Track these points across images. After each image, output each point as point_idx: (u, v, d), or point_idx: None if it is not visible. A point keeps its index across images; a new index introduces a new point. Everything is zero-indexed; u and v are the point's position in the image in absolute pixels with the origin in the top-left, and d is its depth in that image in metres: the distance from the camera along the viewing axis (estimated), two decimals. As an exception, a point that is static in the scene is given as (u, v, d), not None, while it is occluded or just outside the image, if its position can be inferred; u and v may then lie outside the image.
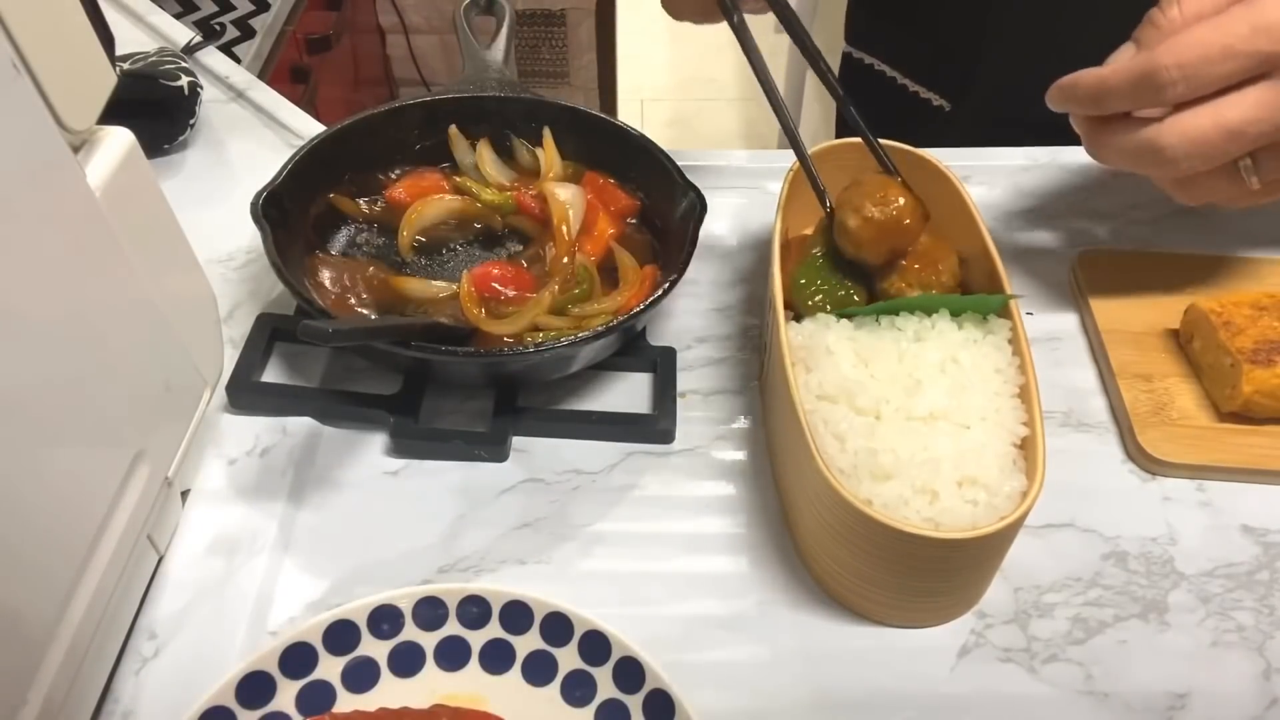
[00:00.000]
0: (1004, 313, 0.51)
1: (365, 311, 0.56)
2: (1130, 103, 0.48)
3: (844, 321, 0.51)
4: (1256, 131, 0.46)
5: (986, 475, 0.44)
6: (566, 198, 0.60)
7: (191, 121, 0.71)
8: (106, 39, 0.53)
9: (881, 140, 0.59)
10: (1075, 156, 0.70)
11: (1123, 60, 0.48)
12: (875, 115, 0.56)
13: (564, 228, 0.59)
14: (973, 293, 0.53)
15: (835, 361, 0.49)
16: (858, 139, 0.57)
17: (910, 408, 0.47)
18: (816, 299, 0.52)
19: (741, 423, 0.55)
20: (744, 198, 0.68)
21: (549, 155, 0.63)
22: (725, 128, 2.57)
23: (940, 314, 0.51)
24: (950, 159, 0.58)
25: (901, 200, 0.52)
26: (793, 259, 0.55)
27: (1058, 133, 0.57)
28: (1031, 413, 0.46)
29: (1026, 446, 0.45)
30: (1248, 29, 0.44)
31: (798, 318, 0.52)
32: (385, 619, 0.44)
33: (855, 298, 0.53)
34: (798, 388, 0.46)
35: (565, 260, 0.58)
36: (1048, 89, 0.51)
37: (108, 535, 0.40)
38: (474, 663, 0.44)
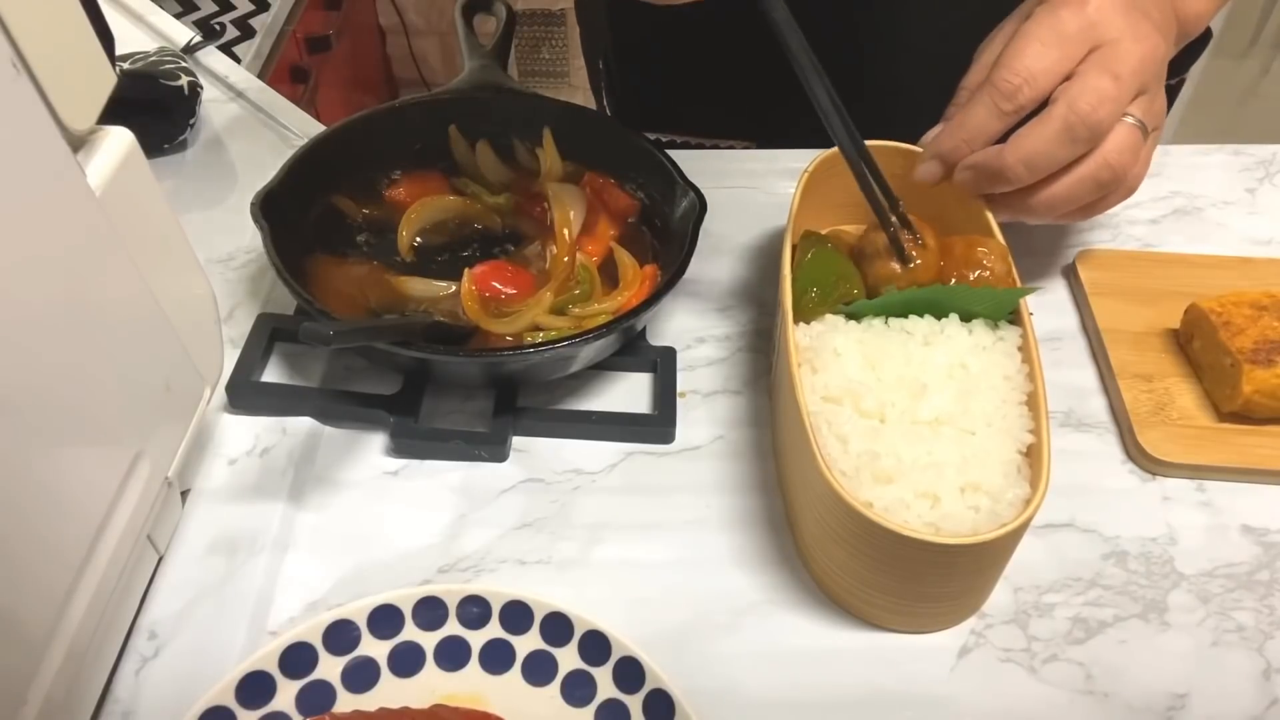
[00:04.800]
0: (1014, 319, 0.51)
1: (365, 311, 0.56)
2: (1069, 155, 0.51)
3: (853, 323, 0.51)
4: (1159, 125, 0.54)
5: (990, 481, 0.44)
6: (568, 199, 0.60)
7: (191, 121, 0.71)
8: (106, 39, 0.54)
9: (880, 143, 0.59)
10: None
11: (1029, 128, 0.51)
12: None
13: (565, 230, 0.59)
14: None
15: (842, 363, 0.49)
16: (872, 142, 0.57)
17: (915, 412, 0.47)
18: (813, 297, 0.52)
19: (742, 423, 0.55)
20: (744, 198, 0.68)
21: (549, 155, 0.63)
22: (725, 128, 2.56)
23: (950, 318, 0.51)
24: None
25: (919, 260, 0.52)
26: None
27: None
28: (1038, 420, 0.46)
29: (1032, 454, 0.45)
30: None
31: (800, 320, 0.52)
32: (385, 619, 0.44)
33: (855, 291, 0.53)
34: (802, 388, 0.46)
35: (565, 260, 0.58)
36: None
37: (108, 535, 0.40)
38: (474, 663, 0.44)
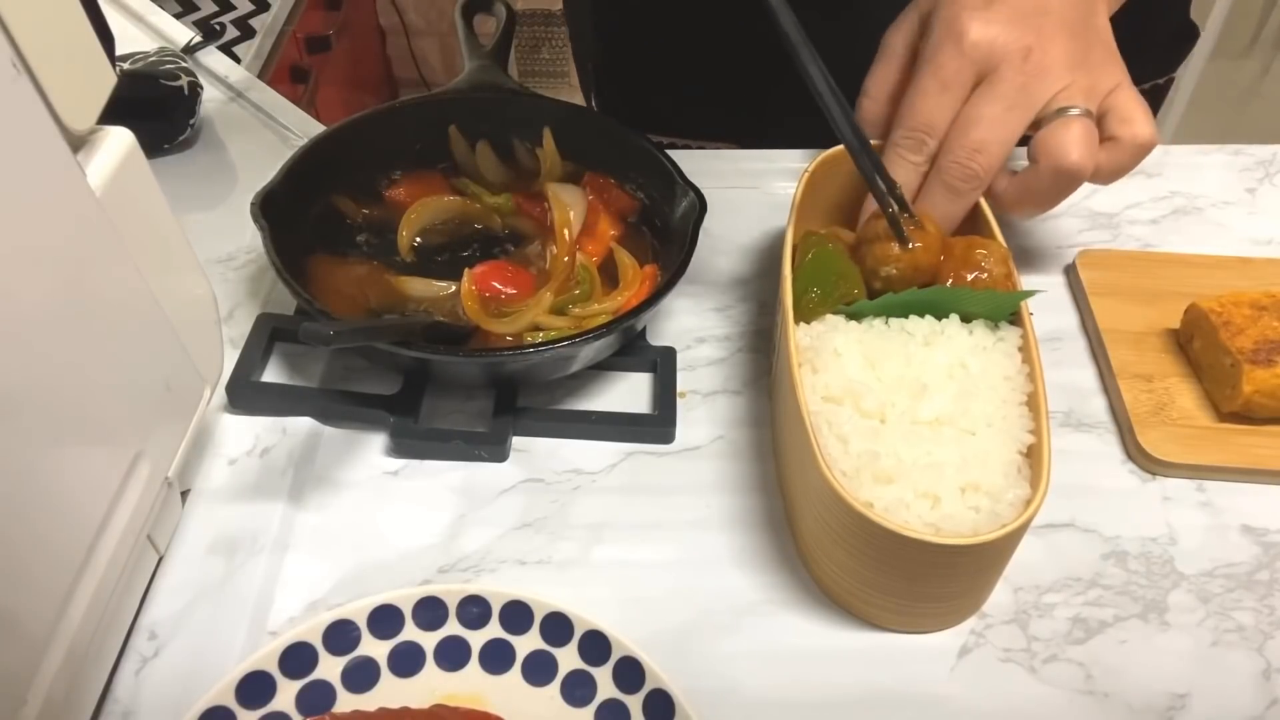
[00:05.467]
0: (1015, 320, 0.51)
1: (365, 312, 0.56)
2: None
3: (853, 323, 0.51)
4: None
5: (990, 482, 0.44)
6: (568, 199, 0.60)
7: (191, 121, 0.71)
8: (106, 39, 0.54)
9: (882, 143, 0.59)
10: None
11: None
12: None
13: (565, 230, 0.59)
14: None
15: (842, 363, 0.49)
16: (874, 142, 0.58)
17: (916, 412, 0.47)
18: (814, 297, 0.52)
19: (742, 423, 0.55)
20: (744, 198, 0.68)
21: (549, 155, 0.63)
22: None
23: (950, 319, 0.51)
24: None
25: (920, 244, 0.52)
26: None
27: None
28: (1039, 421, 0.46)
29: (1032, 454, 0.45)
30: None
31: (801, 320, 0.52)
32: (385, 619, 0.44)
33: (855, 291, 0.53)
34: (803, 388, 0.46)
35: (565, 260, 0.58)
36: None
37: (108, 535, 0.40)
38: (474, 663, 0.44)
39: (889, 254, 0.52)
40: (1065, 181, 0.54)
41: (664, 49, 0.78)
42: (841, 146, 0.58)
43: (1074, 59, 0.53)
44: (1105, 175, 0.55)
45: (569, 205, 0.60)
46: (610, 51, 0.84)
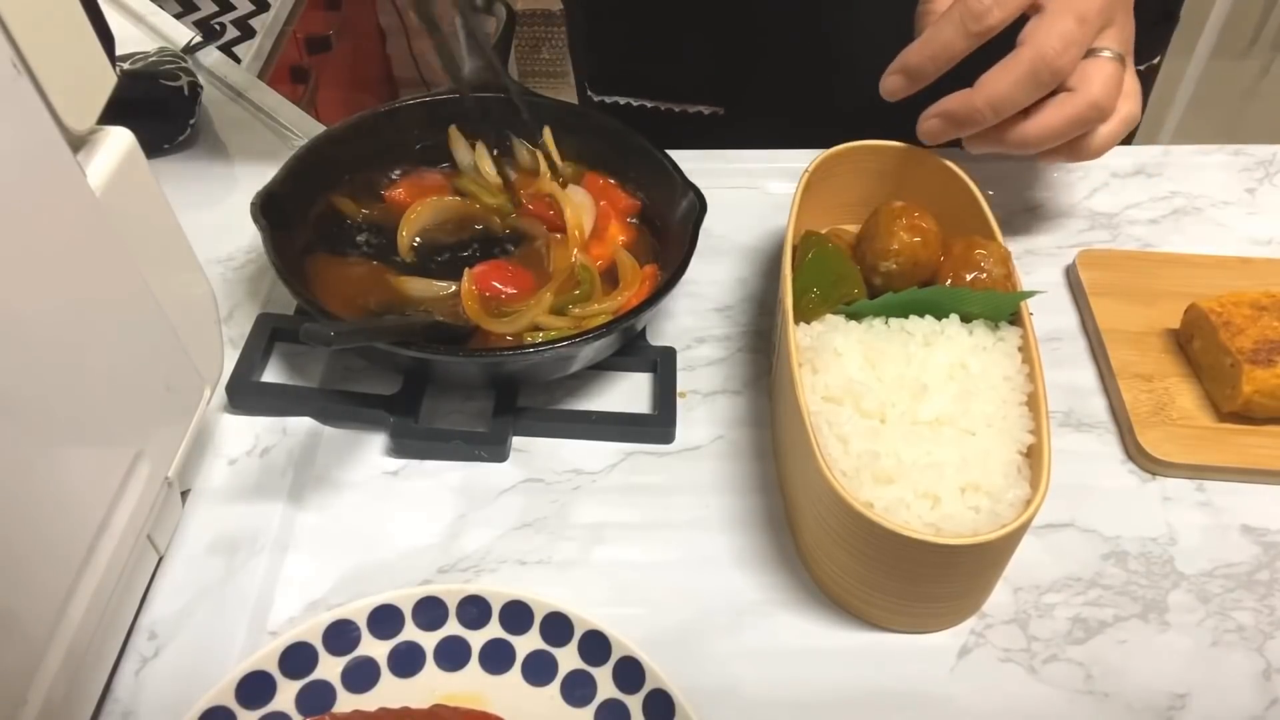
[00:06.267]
0: (1015, 320, 0.51)
1: (365, 311, 0.56)
2: (1034, 97, 0.53)
3: (853, 323, 0.51)
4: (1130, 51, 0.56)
5: (990, 482, 0.44)
6: (579, 200, 0.60)
7: (191, 121, 0.71)
8: (106, 39, 0.54)
9: (881, 142, 0.59)
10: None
11: (996, 71, 0.53)
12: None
13: (577, 231, 0.59)
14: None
15: (843, 363, 0.49)
16: (872, 141, 0.59)
17: (916, 412, 0.47)
18: (814, 297, 0.52)
19: (742, 423, 0.55)
20: (744, 198, 0.68)
21: (549, 156, 0.63)
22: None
23: (950, 319, 0.51)
24: (950, 159, 0.58)
25: (919, 238, 0.53)
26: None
27: (844, 126, 0.60)
28: (1039, 421, 0.46)
29: (1032, 454, 0.45)
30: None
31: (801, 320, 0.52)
32: (385, 619, 0.44)
33: (855, 291, 0.53)
34: (803, 388, 0.46)
35: (572, 259, 0.58)
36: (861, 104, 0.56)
37: (108, 535, 0.40)
38: (474, 663, 0.44)
39: (888, 248, 0.52)
40: (1092, 116, 0.54)
41: (645, 6, 0.78)
42: (841, 147, 0.59)
43: (1125, 5, 0.55)
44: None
45: (581, 207, 0.60)
46: (592, 5, 0.84)
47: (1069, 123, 0.54)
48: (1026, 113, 0.54)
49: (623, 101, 0.83)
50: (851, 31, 0.59)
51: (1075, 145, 0.56)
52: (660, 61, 0.80)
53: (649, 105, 0.82)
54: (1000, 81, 0.53)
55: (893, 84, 0.56)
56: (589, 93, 0.86)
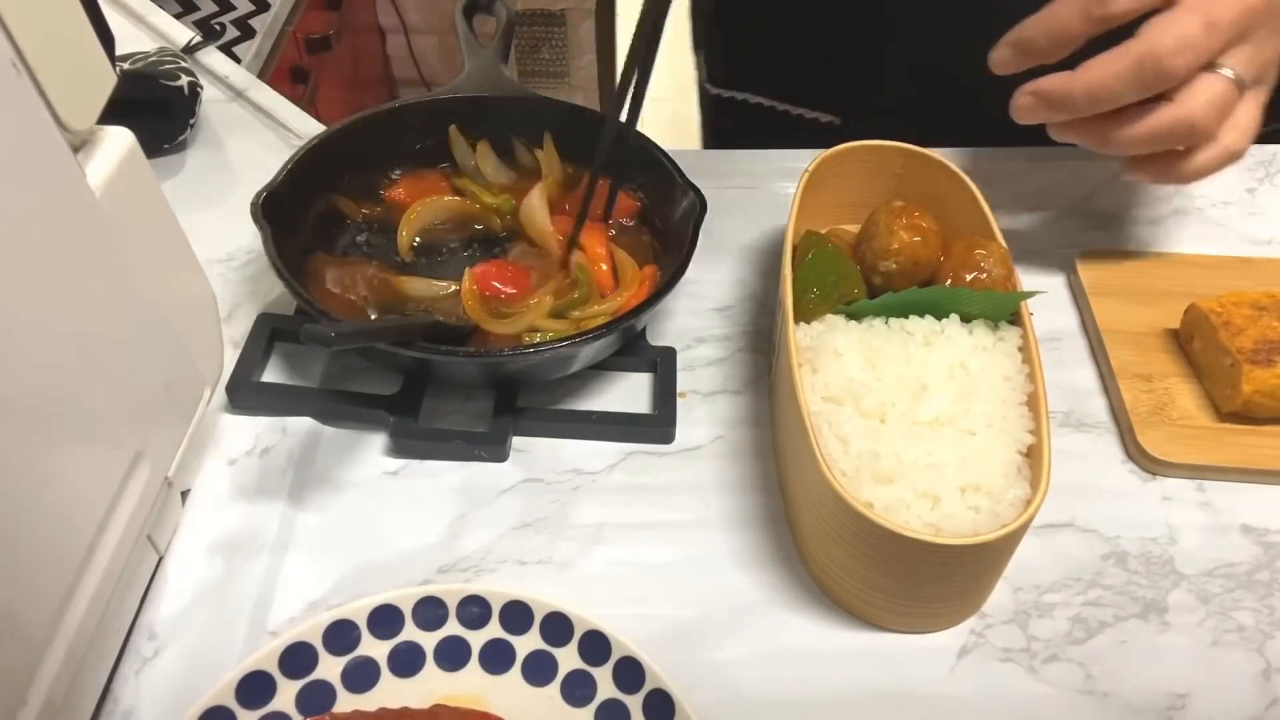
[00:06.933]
0: (1015, 320, 0.51)
1: (365, 311, 0.56)
2: (1134, 95, 0.49)
3: (853, 323, 0.51)
4: (1266, 79, 0.51)
5: (990, 482, 0.44)
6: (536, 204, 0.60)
7: (191, 121, 0.71)
8: (106, 39, 0.53)
9: (881, 142, 0.59)
10: (1075, 157, 0.70)
11: (1101, 58, 0.49)
12: (751, 142, 0.57)
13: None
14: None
15: (843, 363, 0.49)
16: (872, 141, 0.58)
17: (916, 412, 0.47)
18: (814, 297, 0.52)
19: (742, 423, 0.55)
20: (744, 197, 0.68)
21: (549, 157, 0.63)
22: (725, 128, 2.56)
23: (950, 319, 0.51)
24: (949, 159, 0.58)
25: (919, 238, 0.53)
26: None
27: (966, 135, 0.57)
28: (1039, 421, 0.46)
29: (1032, 454, 0.45)
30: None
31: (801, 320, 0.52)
32: (385, 619, 0.44)
33: (855, 291, 0.53)
34: (803, 388, 0.46)
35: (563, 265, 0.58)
36: (967, 99, 0.53)
37: (108, 535, 0.40)
38: (474, 663, 0.44)
39: (888, 248, 0.52)
40: (1181, 131, 0.50)
41: (776, 8, 0.77)
42: (841, 147, 0.59)
43: (1272, 26, 0.50)
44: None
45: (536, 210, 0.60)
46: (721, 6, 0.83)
47: (1155, 133, 0.50)
48: (1121, 111, 0.50)
49: (739, 97, 0.82)
50: (981, 55, 0.55)
51: (1165, 164, 0.53)
52: (782, 58, 0.79)
53: (766, 104, 0.81)
54: (1101, 70, 0.49)
55: (1001, 55, 0.53)
56: (706, 85, 0.85)
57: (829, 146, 0.58)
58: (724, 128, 0.87)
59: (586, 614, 0.43)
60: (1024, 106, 0.52)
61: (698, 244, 0.56)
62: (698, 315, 0.61)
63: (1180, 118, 0.49)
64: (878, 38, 0.68)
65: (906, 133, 0.59)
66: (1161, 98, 0.49)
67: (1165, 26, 0.48)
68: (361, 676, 0.43)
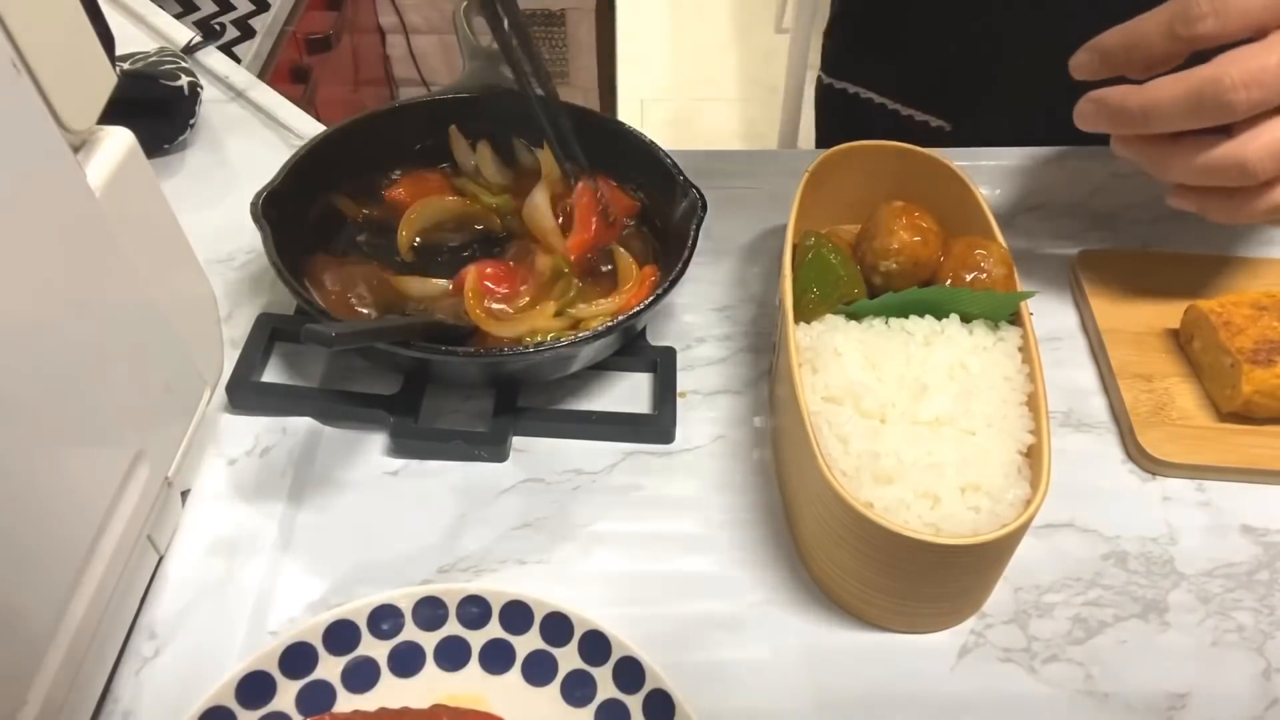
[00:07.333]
0: (1015, 320, 0.51)
1: (365, 311, 0.56)
2: (1190, 121, 0.46)
3: (853, 323, 0.51)
4: None
5: (990, 482, 0.44)
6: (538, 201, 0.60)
7: (191, 121, 0.71)
8: (106, 39, 0.54)
9: (881, 142, 0.59)
10: (1075, 157, 0.70)
11: (1168, 77, 0.47)
12: (863, 138, 0.58)
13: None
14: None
15: (843, 363, 0.49)
16: (872, 141, 0.58)
17: (916, 412, 0.47)
18: (814, 297, 0.52)
19: (742, 423, 0.55)
20: (744, 198, 0.68)
21: (549, 157, 0.63)
22: (725, 128, 2.57)
23: (950, 319, 0.51)
24: (949, 159, 0.58)
25: (919, 238, 0.53)
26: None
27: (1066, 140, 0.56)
28: (1039, 421, 0.46)
29: (1032, 454, 0.45)
30: None
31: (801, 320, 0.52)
32: (385, 619, 0.44)
33: (855, 291, 0.53)
34: (803, 388, 0.46)
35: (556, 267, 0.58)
36: (1058, 104, 0.51)
37: (108, 535, 0.40)
38: (474, 663, 0.44)
39: (888, 248, 0.52)
40: (1232, 170, 0.47)
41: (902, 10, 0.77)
42: (841, 147, 0.59)
43: None
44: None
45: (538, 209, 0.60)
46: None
47: (1205, 167, 0.47)
48: (1180, 136, 0.48)
49: (851, 90, 0.82)
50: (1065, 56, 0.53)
51: (1213, 200, 0.50)
52: (895, 54, 0.79)
53: (876, 100, 0.81)
54: (1162, 89, 0.46)
55: (1080, 60, 0.50)
56: (821, 74, 0.86)
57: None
58: (831, 121, 0.87)
59: (586, 614, 0.43)
60: (1085, 113, 0.50)
61: (698, 244, 0.56)
62: (698, 315, 0.61)
63: (1233, 155, 0.46)
64: (987, 46, 0.68)
65: (1013, 139, 0.57)
66: (1225, 131, 0.47)
67: (1239, 57, 0.45)
68: (361, 676, 0.43)
